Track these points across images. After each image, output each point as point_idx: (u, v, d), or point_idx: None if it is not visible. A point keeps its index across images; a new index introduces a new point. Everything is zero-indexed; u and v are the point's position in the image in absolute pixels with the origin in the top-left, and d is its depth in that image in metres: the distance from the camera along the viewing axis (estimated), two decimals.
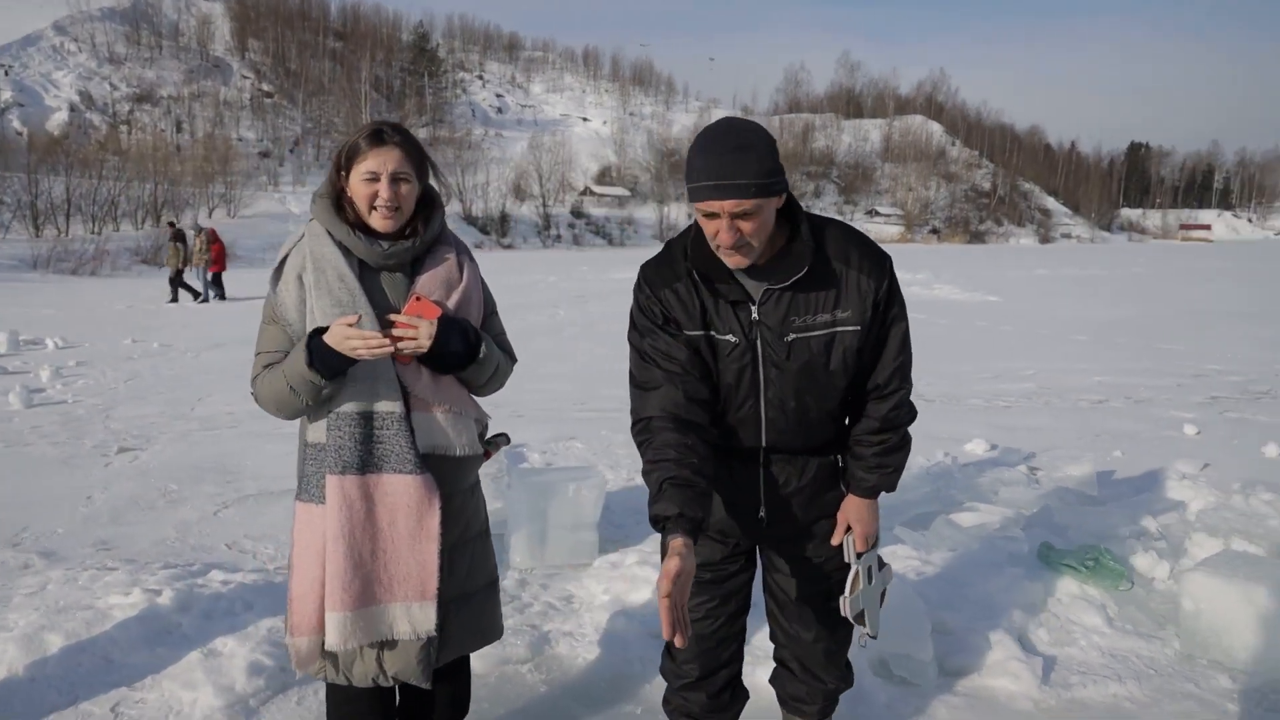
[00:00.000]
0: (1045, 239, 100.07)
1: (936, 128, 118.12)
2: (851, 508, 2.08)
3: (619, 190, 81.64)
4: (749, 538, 2.12)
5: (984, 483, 5.10)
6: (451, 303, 2.12)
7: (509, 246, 73.44)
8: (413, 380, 2.06)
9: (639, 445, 1.92)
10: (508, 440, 2.37)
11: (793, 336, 1.89)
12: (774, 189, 1.77)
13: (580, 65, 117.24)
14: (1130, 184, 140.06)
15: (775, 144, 1.79)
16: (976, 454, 6.08)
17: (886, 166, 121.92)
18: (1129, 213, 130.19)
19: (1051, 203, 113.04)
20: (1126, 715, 2.84)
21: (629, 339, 2.02)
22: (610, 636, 3.32)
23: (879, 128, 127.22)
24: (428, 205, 2.15)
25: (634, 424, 1.95)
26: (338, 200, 2.09)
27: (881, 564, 2.17)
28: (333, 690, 2.21)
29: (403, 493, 2.03)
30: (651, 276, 1.98)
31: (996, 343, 12.66)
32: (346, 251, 2.06)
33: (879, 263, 1.93)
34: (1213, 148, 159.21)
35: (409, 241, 2.10)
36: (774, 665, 2.35)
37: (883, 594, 2.18)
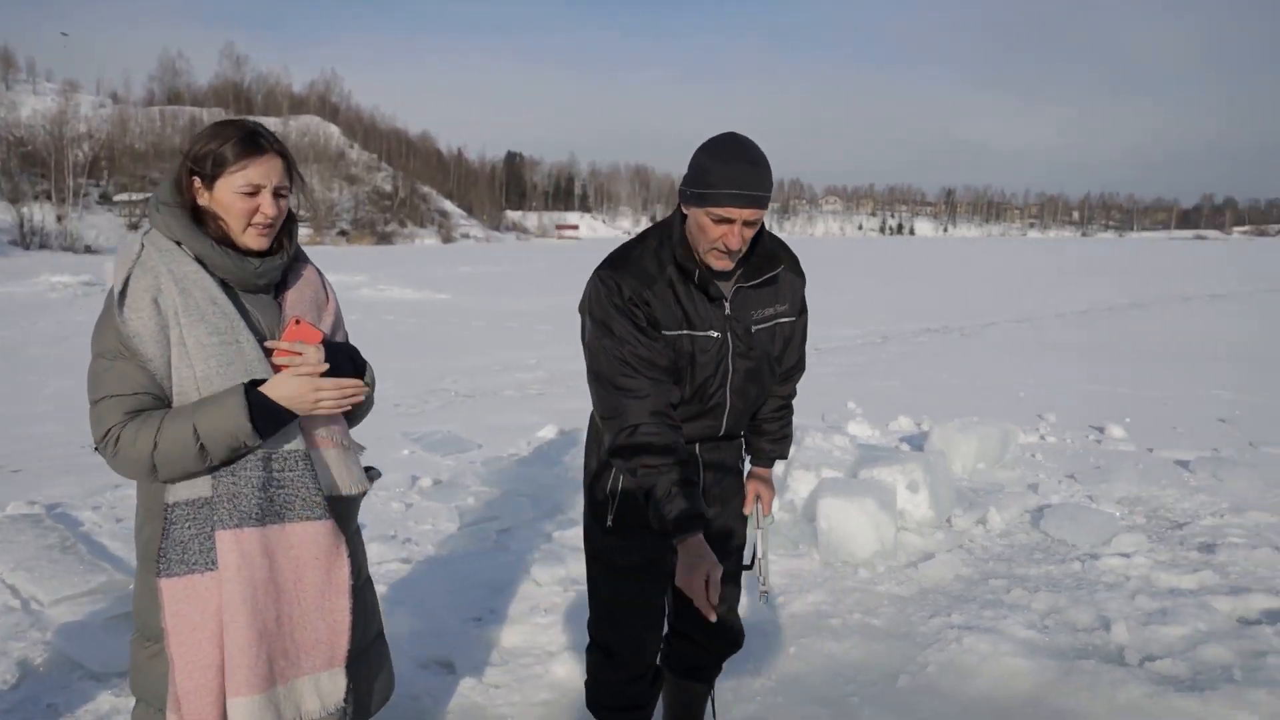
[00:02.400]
0: (447, 239, 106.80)
1: (335, 129, 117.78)
2: (761, 477, 2.38)
3: None
4: None
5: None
6: (325, 325, 1.92)
7: None
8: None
9: (627, 450, 1.96)
10: (379, 474, 2.14)
11: (755, 329, 2.12)
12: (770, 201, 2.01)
13: None
14: (510, 189, 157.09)
15: None
16: (552, 438, 6.61)
17: None
18: (512, 214, 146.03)
19: (449, 205, 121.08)
20: (825, 615, 3.60)
21: (601, 345, 2.01)
22: None
23: (275, 126, 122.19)
24: (289, 218, 1.92)
25: (618, 431, 1.97)
26: (193, 211, 1.77)
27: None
28: None
29: (310, 542, 1.79)
30: (627, 279, 2.01)
31: (483, 337, 13.55)
32: (204, 269, 1.76)
33: (798, 264, 2.26)
34: (571, 159, 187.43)
35: (278, 258, 1.86)
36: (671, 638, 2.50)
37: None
